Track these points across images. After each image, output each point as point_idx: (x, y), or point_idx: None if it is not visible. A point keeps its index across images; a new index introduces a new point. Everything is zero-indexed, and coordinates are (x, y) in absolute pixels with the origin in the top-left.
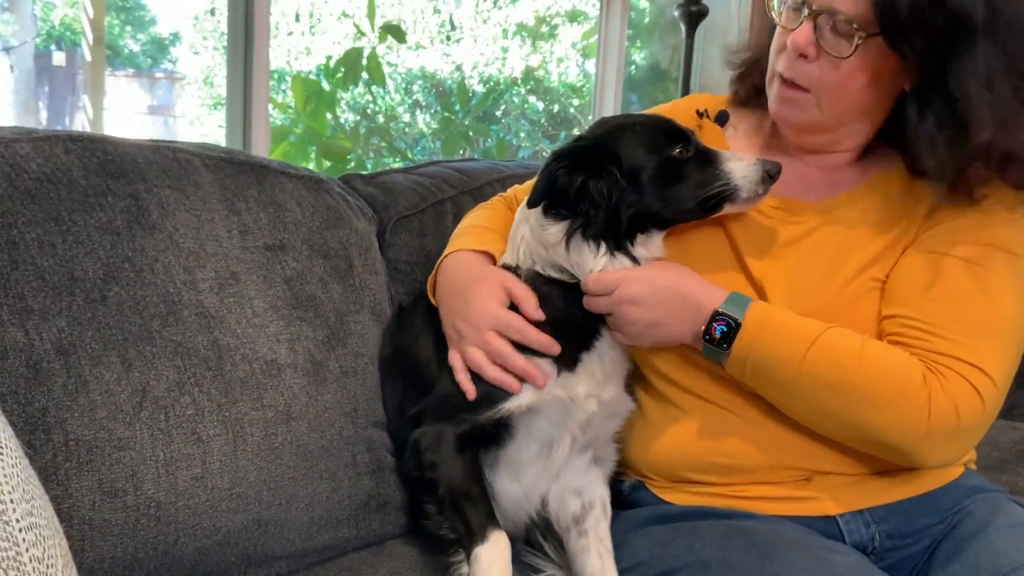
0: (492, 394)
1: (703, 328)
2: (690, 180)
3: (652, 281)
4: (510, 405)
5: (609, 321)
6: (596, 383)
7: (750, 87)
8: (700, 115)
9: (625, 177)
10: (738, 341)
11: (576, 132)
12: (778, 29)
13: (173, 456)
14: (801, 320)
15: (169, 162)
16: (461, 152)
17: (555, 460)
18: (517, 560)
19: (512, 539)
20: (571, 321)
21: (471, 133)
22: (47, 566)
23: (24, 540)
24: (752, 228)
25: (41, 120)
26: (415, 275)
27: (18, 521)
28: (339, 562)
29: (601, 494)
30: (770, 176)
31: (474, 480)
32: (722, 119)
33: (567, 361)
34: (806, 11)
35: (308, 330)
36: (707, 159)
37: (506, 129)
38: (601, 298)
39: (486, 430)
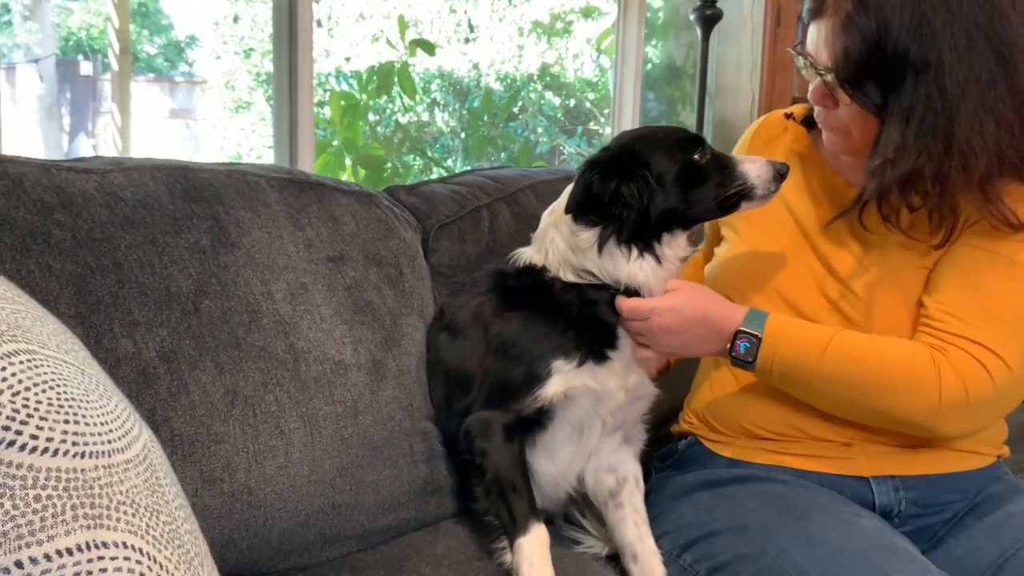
0: (531, 382)
1: (728, 347)
2: (710, 181)
3: (681, 310)
4: (547, 392)
5: (640, 340)
6: (623, 373)
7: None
8: (787, 116)
9: (655, 180)
10: (761, 352)
11: (593, 126)
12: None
13: (260, 448)
14: (815, 326)
15: (241, 184)
16: (488, 155)
17: (587, 442)
18: (558, 535)
19: (552, 516)
20: (595, 322)
21: (492, 133)
22: (194, 537)
23: (179, 516)
24: (823, 213)
25: (64, 126)
26: (456, 278)
27: (173, 499)
28: (401, 540)
29: (633, 470)
30: (780, 175)
31: (519, 470)
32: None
33: (596, 356)
34: (813, 70)
35: (368, 333)
36: (723, 163)
37: (524, 125)
38: (635, 323)
39: (530, 419)
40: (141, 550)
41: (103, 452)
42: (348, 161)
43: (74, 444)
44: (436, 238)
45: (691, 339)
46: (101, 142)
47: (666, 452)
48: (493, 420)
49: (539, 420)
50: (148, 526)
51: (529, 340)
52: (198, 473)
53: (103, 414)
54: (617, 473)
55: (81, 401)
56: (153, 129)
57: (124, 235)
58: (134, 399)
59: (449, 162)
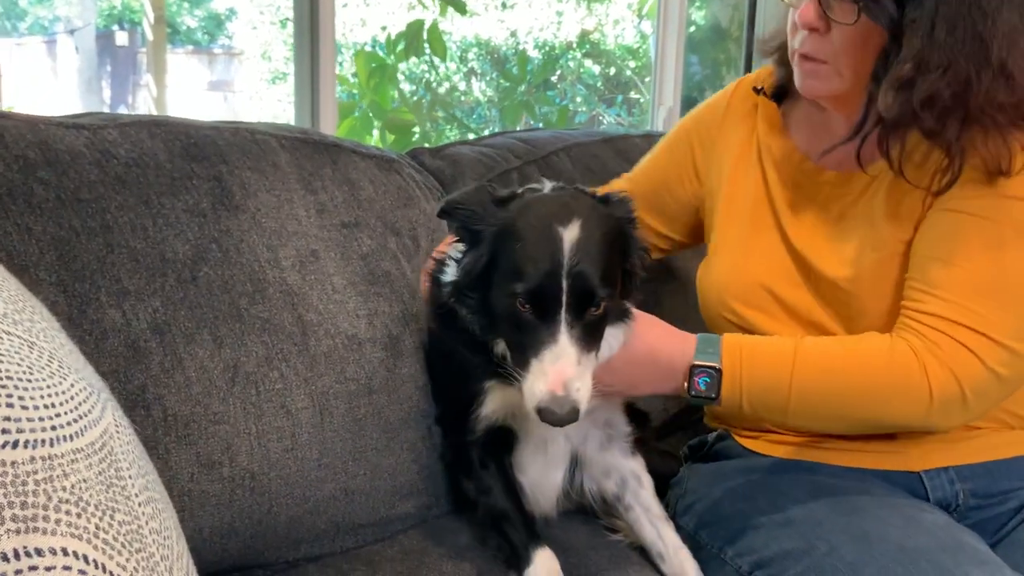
0: (470, 401)
1: (686, 385)
2: (510, 332)
3: (622, 354)
4: (486, 411)
5: None
6: None
7: (787, 71)
8: (757, 92)
9: (483, 268)
10: (725, 387)
11: (633, 95)
12: (790, 9)
13: (264, 429)
14: (774, 341)
15: (248, 143)
16: (524, 123)
17: (554, 454)
18: (592, 521)
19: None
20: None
21: (528, 99)
22: (164, 537)
23: (143, 514)
24: (799, 207)
25: (104, 99)
26: None
27: (137, 495)
28: (422, 529)
29: (630, 467)
30: (540, 415)
31: (507, 496)
32: None
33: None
34: None
35: (384, 305)
36: (540, 341)
37: (562, 94)
38: None
39: (491, 440)
40: (86, 557)
41: (44, 440)
42: (375, 129)
43: (4, 432)
44: None
45: (638, 379)
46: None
47: (697, 443)
48: (463, 449)
49: (503, 438)
50: (98, 528)
51: (459, 355)
52: (194, 456)
53: (50, 395)
54: (613, 476)
55: (19, 380)
56: (193, 101)
57: (115, 195)
58: (122, 375)
59: (486, 132)
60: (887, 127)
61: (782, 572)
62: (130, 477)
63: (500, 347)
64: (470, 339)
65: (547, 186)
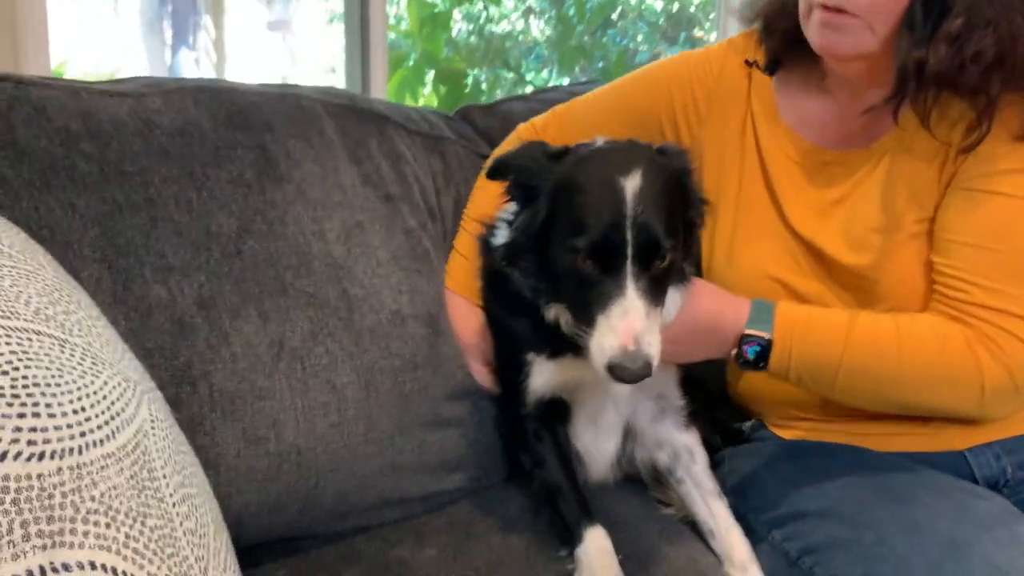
0: (518, 374)
1: (735, 353)
2: (572, 290)
3: (680, 319)
4: (533, 385)
5: None
6: None
7: (780, 39)
8: (749, 64)
9: (539, 224)
10: (773, 357)
11: (697, 32)
12: None
13: (310, 404)
14: (828, 315)
15: (293, 110)
16: (582, 66)
17: (604, 426)
18: (644, 493)
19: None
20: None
21: (586, 42)
22: (200, 536)
23: (178, 514)
24: (799, 190)
25: (166, 40)
26: None
27: (171, 495)
28: (471, 500)
29: (683, 441)
30: (611, 371)
31: (561, 471)
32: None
33: (571, 346)
34: None
35: (424, 283)
36: (606, 296)
37: (622, 33)
38: None
39: (543, 412)
40: (115, 569)
41: (71, 449)
42: (428, 80)
43: (30, 443)
44: None
45: (693, 347)
46: (203, 55)
47: (735, 430)
48: (517, 421)
49: (555, 409)
50: (128, 536)
51: (507, 325)
52: (240, 432)
53: (80, 398)
54: (665, 449)
55: (47, 386)
56: (251, 42)
57: (158, 167)
58: (168, 351)
59: (544, 73)
60: (927, 81)
61: (830, 560)
62: (164, 476)
63: (552, 312)
64: (520, 306)
65: (599, 141)
